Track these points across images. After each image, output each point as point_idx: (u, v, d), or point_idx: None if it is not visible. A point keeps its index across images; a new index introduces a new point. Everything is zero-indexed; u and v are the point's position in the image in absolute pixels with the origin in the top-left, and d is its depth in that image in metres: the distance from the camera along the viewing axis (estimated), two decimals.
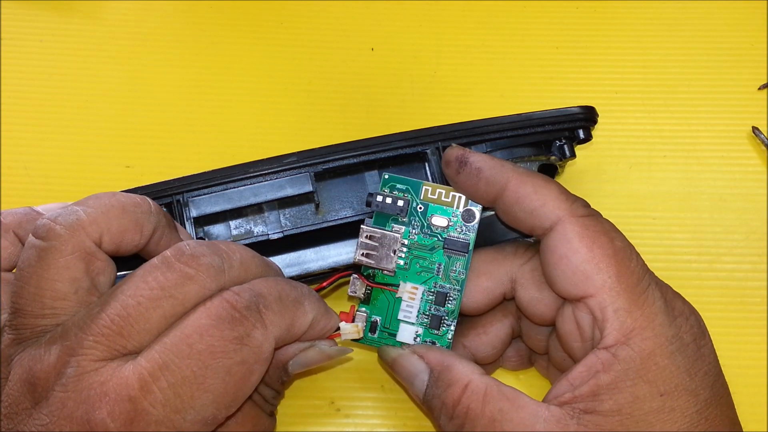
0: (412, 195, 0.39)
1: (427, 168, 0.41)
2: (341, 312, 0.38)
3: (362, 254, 0.38)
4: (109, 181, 0.48)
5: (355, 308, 0.39)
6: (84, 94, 0.51)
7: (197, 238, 0.39)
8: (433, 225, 0.39)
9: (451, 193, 0.39)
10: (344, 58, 0.53)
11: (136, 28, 0.54)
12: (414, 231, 0.39)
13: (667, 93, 0.52)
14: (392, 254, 0.38)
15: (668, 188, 0.49)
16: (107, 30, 0.53)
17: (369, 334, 0.39)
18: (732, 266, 0.47)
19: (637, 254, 0.35)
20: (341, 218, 0.41)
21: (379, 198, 0.39)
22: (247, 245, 0.40)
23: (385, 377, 0.43)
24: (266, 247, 0.42)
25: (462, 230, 0.39)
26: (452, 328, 0.38)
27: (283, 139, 0.50)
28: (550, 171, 0.44)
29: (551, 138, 0.43)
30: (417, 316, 0.39)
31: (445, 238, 0.39)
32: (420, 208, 0.39)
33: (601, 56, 0.53)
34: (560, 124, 0.42)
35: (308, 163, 0.39)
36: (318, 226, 0.41)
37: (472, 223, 0.39)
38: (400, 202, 0.39)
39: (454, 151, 0.38)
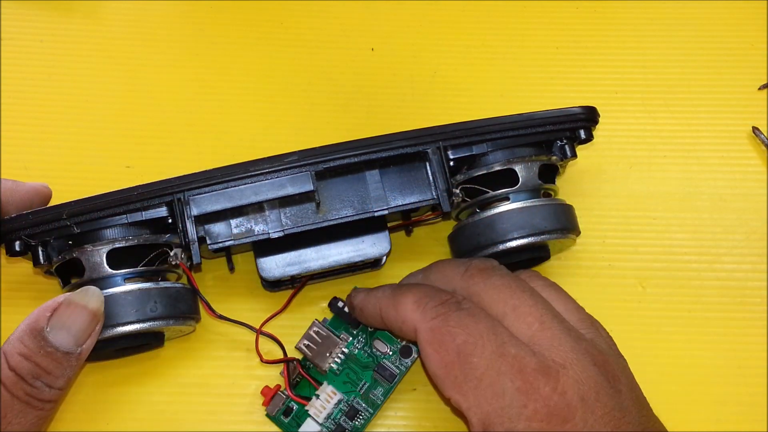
0: None
1: (428, 167, 0.41)
2: (265, 386, 0.42)
3: (304, 344, 0.42)
4: (109, 181, 0.48)
5: (280, 388, 0.41)
6: (84, 94, 0.51)
7: (198, 237, 0.40)
8: (375, 347, 0.42)
9: None
10: (344, 58, 0.53)
11: (136, 28, 0.54)
12: (357, 345, 0.42)
13: (667, 93, 0.52)
14: (328, 355, 0.42)
15: (668, 188, 0.49)
16: (107, 30, 0.53)
17: (282, 418, 0.41)
18: (732, 266, 0.47)
19: (484, 342, 0.35)
20: (342, 217, 0.41)
21: (340, 304, 0.43)
22: (247, 243, 0.41)
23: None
24: (267, 246, 0.42)
25: (396, 362, 0.42)
26: None
27: (283, 139, 0.50)
28: (551, 171, 0.44)
29: (552, 138, 0.43)
30: (325, 419, 0.41)
31: (379, 363, 0.42)
32: (371, 328, 0.43)
33: (601, 56, 0.53)
34: (561, 124, 0.42)
35: (309, 162, 0.39)
36: (319, 225, 0.41)
37: (407, 359, 0.42)
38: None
39: (347, 299, 0.42)
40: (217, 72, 0.52)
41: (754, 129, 0.50)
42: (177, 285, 0.40)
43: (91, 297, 0.38)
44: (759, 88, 0.52)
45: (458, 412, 0.37)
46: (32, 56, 0.52)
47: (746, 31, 0.54)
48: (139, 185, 0.39)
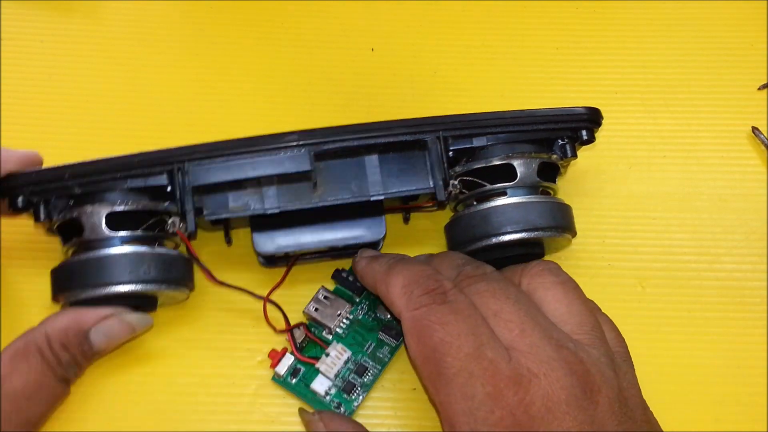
0: None
1: (427, 157, 0.42)
2: (272, 350, 0.42)
3: (314, 308, 0.43)
4: None
5: (287, 351, 0.42)
6: (84, 94, 0.51)
7: (195, 207, 0.40)
8: (379, 311, 0.44)
9: None
10: (344, 58, 0.53)
11: (136, 28, 0.54)
12: (361, 311, 0.44)
13: (667, 93, 0.52)
14: (337, 315, 0.43)
15: (668, 188, 0.49)
16: (107, 30, 0.53)
17: (289, 379, 0.42)
18: (732, 266, 0.47)
19: (461, 343, 0.35)
20: (338, 199, 0.41)
21: (344, 275, 0.44)
22: (245, 218, 0.42)
23: (385, 377, 0.43)
24: (264, 222, 0.42)
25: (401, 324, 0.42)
26: (361, 398, 0.42)
27: None
28: (551, 170, 0.44)
29: (554, 136, 0.43)
30: (335, 377, 0.42)
31: (384, 324, 0.43)
32: (373, 296, 0.43)
33: (601, 56, 0.53)
34: (563, 123, 0.42)
35: (308, 142, 0.40)
36: (315, 205, 0.41)
37: None
38: (359, 283, 0.43)
39: (353, 261, 0.43)
40: (217, 72, 0.52)
41: (754, 129, 0.50)
42: (172, 252, 0.41)
43: (140, 322, 0.41)
44: (759, 88, 0.52)
45: (432, 401, 0.38)
46: (32, 56, 0.52)
47: (746, 31, 0.54)
48: (141, 152, 0.40)
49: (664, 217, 0.48)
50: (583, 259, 0.47)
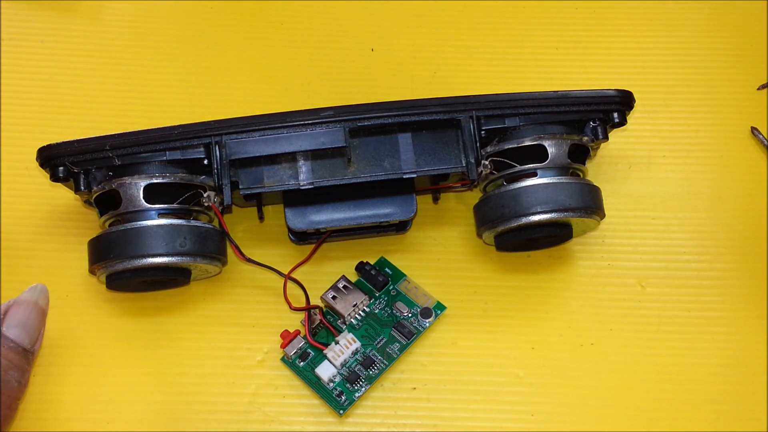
0: (392, 280, 0.45)
1: (459, 136, 0.42)
2: (284, 330, 0.43)
3: (331, 296, 0.43)
4: None
5: (299, 334, 0.43)
6: (84, 94, 0.51)
7: (231, 182, 0.41)
8: (395, 308, 0.44)
9: (422, 294, 0.44)
10: (344, 58, 0.53)
11: (136, 28, 0.54)
12: (378, 305, 0.44)
13: (667, 93, 0.52)
14: (353, 306, 0.43)
15: (668, 188, 0.49)
16: (107, 30, 0.53)
17: (297, 362, 0.43)
18: (732, 266, 0.47)
19: None
20: (371, 176, 0.42)
21: (367, 268, 0.45)
22: (278, 193, 0.43)
23: (386, 376, 0.43)
24: (296, 198, 0.43)
25: (415, 322, 0.44)
26: (362, 391, 0.42)
27: None
28: (581, 152, 0.44)
29: (585, 118, 0.43)
30: (341, 365, 0.42)
31: (399, 321, 0.44)
32: (393, 292, 0.45)
33: (601, 56, 0.53)
34: (595, 105, 0.43)
35: (344, 118, 0.41)
36: (348, 181, 0.42)
37: (427, 320, 0.44)
38: (381, 278, 0.44)
39: None
40: (217, 72, 0.52)
41: (753, 129, 0.50)
42: (207, 225, 0.42)
43: (40, 294, 0.39)
44: (758, 88, 0.52)
45: None
46: (32, 56, 0.52)
47: (746, 31, 0.54)
48: (180, 125, 0.41)
49: (664, 217, 0.48)
50: (583, 259, 0.47)
